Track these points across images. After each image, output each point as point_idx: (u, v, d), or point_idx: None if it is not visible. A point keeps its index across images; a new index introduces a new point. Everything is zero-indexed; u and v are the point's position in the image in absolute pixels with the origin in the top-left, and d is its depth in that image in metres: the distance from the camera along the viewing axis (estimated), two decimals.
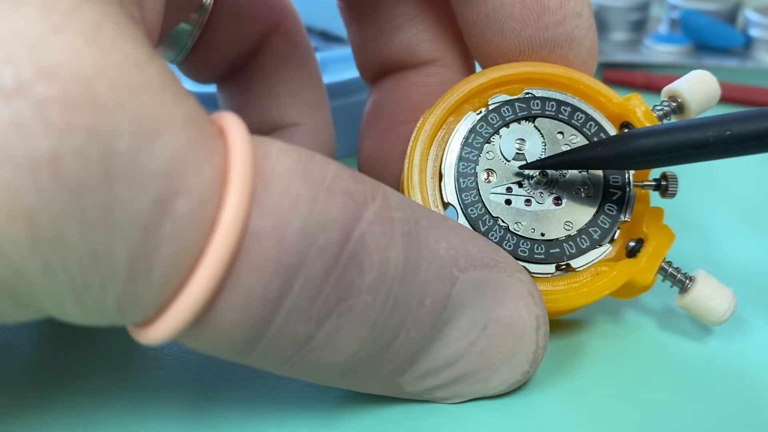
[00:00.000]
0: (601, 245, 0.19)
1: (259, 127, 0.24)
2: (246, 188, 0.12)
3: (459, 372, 0.16)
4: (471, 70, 0.23)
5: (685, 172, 0.29)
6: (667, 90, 0.20)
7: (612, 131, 0.20)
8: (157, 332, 0.13)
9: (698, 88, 0.20)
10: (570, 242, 0.19)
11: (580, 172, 0.19)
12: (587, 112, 0.20)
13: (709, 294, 0.18)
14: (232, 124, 0.13)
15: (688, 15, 0.43)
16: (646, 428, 0.17)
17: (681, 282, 0.19)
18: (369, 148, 0.24)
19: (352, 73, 0.31)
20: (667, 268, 0.19)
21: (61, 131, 0.10)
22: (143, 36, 0.12)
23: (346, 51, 0.35)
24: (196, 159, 0.12)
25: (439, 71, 0.22)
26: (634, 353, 0.19)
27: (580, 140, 0.20)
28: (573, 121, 0.19)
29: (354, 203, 0.14)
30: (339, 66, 0.31)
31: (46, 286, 0.11)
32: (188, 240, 0.12)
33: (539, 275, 0.18)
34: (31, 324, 0.19)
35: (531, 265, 0.18)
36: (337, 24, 0.38)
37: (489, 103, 0.20)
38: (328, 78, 0.28)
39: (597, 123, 0.19)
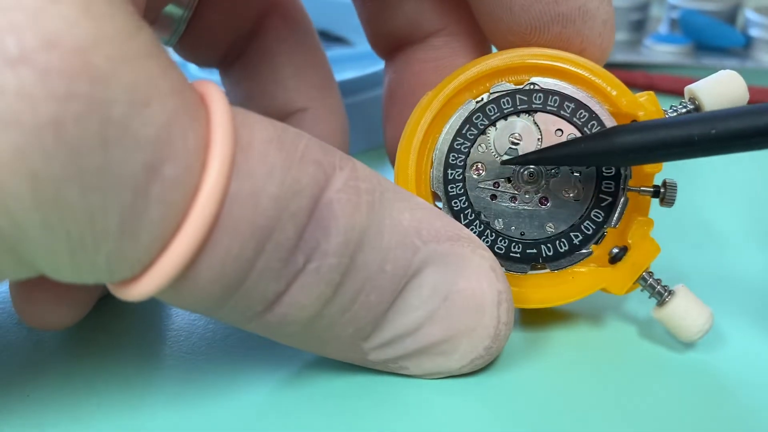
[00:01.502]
0: (580, 251, 0.19)
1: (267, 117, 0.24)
2: (227, 155, 0.13)
3: (421, 342, 0.16)
4: (482, 40, 0.22)
5: (689, 175, 0.29)
6: (687, 89, 0.19)
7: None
8: (142, 288, 0.13)
9: (718, 89, 0.18)
10: (548, 244, 0.18)
11: (572, 173, 0.19)
12: (592, 109, 0.18)
13: (683, 312, 0.18)
14: (213, 93, 0.14)
15: (688, 15, 0.43)
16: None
17: (659, 294, 0.18)
18: (390, 135, 0.24)
19: (353, 72, 0.31)
20: (647, 278, 0.18)
21: (64, 98, 0.11)
22: (131, 6, 0.13)
23: (346, 51, 0.36)
24: (182, 126, 0.13)
25: (446, 42, 0.22)
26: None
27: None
28: (574, 119, 0.19)
29: (323, 172, 0.14)
30: (339, 66, 0.31)
31: (44, 242, 0.12)
32: (174, 202, 0.13)
33: (512, 273, 0.18)
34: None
35: (506, 262, 0.18)
36: (337, 24, 0.38)
37: (491, 91, 0.19)
38: None
39: (600, 122, 0.18)
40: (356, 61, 0.33)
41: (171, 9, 0.22)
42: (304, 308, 0.15)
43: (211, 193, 0.13)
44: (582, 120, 0.18)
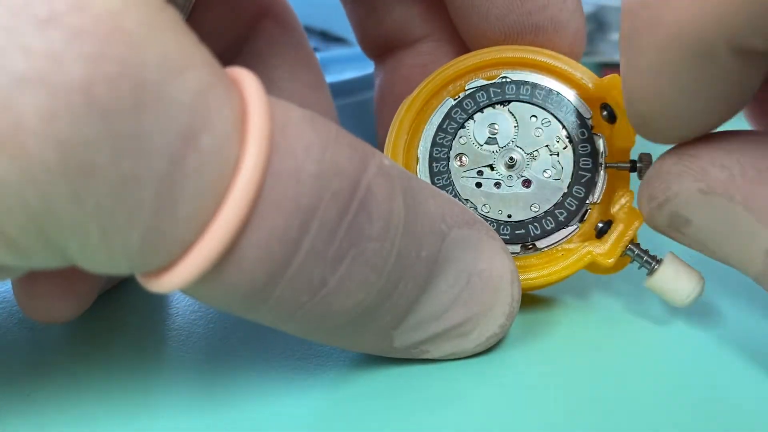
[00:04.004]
0: (567, 226, 0.19)
1: None
2: (266, 129, 0.13)
3: (445, 325, 0.17)
4: (465, 47, 0.23)
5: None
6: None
7: (587, 113, 0.20)
8: (182, 273, 0.13)
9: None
10: (535, 224, 0.19)
11: (551, 154, 0.20)
12: (563, 94, 0.20)
13: (673, 276, 0.18)
14: (244, 73, 0.14)
15: None
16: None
17: (648, 263, 0.19)
18: (382, 135, 0.24)
19: (352, 73, 0.31)
20: (634, 249, 0.19)
21: (94, 60, 0.11)
22: None
23: (346, 51, 0.36)
24: (217, 97, 0.12)
25: (433, 48, 0.23)
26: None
27: (553, 123, 0.20)
28: (547, 105, 0.20)
29: (358, 156, 0.14)
30: (339, 66, 0.31)
31: (74, 217, 0.12)
32: (213, 176, 0.12)
33: None
34: (31, 324, 0.20)
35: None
36: (337, 24, 0.38)
37: (465, 88, 0.20)
38: (328, 78, 0.28)
39: (572, 105, 0.20)
40: (356, 61, 0.33)
41: None
42: (349, 295, 0.15)
43: (252, 167, 0.12)
44: (554, 105, 0.20)
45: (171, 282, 0.13)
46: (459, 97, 0.20)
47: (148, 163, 0.12)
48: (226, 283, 0.13)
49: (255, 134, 0.13)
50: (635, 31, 0.16)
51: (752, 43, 0.15)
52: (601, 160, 0.20)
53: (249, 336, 0.19)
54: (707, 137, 0.17)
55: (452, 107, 0.20)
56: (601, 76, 0.20)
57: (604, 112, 0.20)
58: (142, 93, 0.11)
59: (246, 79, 0.13)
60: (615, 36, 0.44)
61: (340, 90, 0.30)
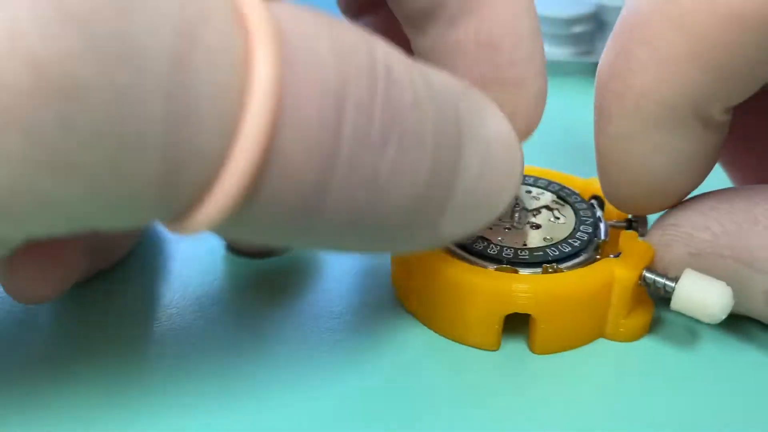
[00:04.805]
0: (584, 252, 0.19)
1: None
2: (268, 17, 0.12)
3: (478, 196, 0.16)
4: None
5: None
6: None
7: (579, 198, 0.21)
8: (225, 188, 0.11)
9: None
10: (552, 247, 0.19)
11: (550, 210, 0.21)
12: (552, 180, 0.22)
13: (698, 287, 0.17)
14: None
15: None
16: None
17: (670, 280, 0.18)
18: None
19: None
20: (651, 275, 0.18)
21: None
22: None
23: None
24: None
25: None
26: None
27: (547, 194, 0.22)
28: (538, 184, 0.22)
29: (363, 36, 0.13)
30: None
31: (70, 150, 0.10)
32: (224, 73, 0.11)
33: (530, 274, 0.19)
34: (31, 324, 0.19)
35: (519, 267, 0.19)
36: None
37: None
38: None
39: (563, 185, 0.22)
40: None
41: None
42: (404, 182, 0.13)
43: (266, 56, 0.11)
44: (544, 185, 0.22)
45: (215, 208, 0.11)
46: None
47: (147, 69, 0.10)
48: (274, 194, 0.12)
49: (258, 23, 0.11)
50: (604, 99, 0.18)
51: (711, 110, 0.16)
52: (600, 214, 0.21)
53: (249, 336, 0.19)
54: (683, 204, 0.19)
55: None
56: None
57: (593, 201, 0.22)
58: None
59: None
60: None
61: None
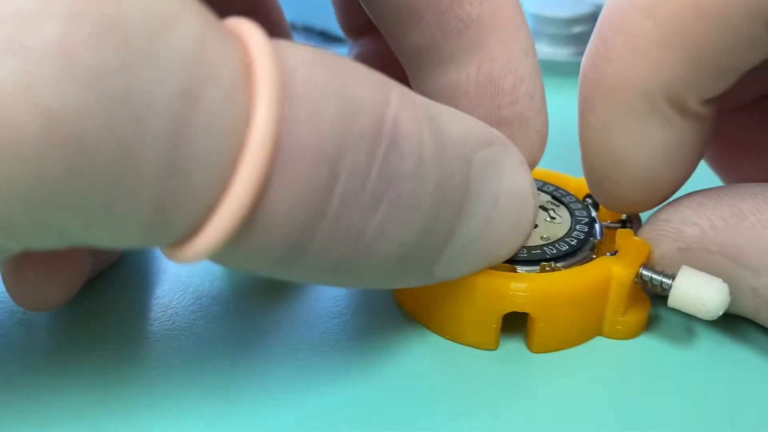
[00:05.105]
0: (580, 251, 0.19)
1: None
2: (275, 75, 0.12)
3: (478, 246, 0.17)
4: None
5: None
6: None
7: (574, 198, 0.22)
8: (208, 238, 0.12)
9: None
10: (550, 246, 0.19)
11: (546, 210, 0.21)
12: (547, 182, 0.22)
13: (694, 283, 0.18)
14: (243, 22, 0.13)
15: None
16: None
17: (666, 277, 0.18)
18: None
19: None
20: (648, 272, 0.18)
21: (70, 18, 0.10)
22: None
23: (346, 51, 0.35)
24: (215, 48, 0.11)
25: None
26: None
27: (542, 195, 0.22)
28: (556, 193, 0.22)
29: (379, 89, 0.13)
30: None
31: (71, 192, 0.11)
32: (223, 132, 0.11)
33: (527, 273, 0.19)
34: (31, 324, 0.20)
35: (516, 265, 0.19)
36: (337, 24, 0.37)
37: None
38: None
39: (557, 186, 0.22)
40: None
41: None
42: (390, 240, 0.14)
43: (266, 117, 0.11)
44: (539, 185, 0.22)
45: (197, 250, 0.12)
46: None
47: (147, 127, 0.10)
48: (256, 244, 0.12)
49: (263, 82, 0.12)
50: (586, 90, 0.18)
51: (685, 99, 0.17)
52: (594, 214, 0.21)
53: (250, 336, 0.19)
54: (675, 201, 0.19)
55: None
56: None
57: (588, 200, 0.22)
58: (129, 50, 0.10)
59: (245, 26, 0.12)
60: None
61: None
